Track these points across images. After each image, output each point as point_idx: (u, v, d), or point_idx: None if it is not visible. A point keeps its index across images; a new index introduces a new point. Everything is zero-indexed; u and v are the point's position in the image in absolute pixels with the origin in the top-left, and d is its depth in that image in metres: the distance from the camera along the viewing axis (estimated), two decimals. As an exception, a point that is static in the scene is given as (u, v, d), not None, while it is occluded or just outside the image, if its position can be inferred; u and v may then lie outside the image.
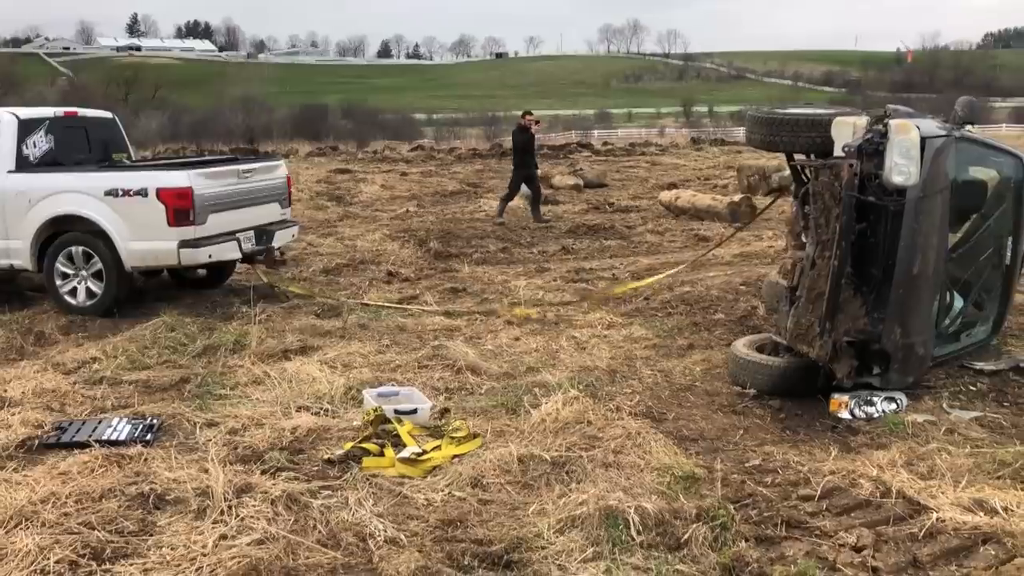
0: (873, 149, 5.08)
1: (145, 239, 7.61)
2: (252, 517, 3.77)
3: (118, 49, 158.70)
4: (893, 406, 5.18)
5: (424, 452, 4.54)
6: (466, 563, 3.51)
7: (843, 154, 5.21)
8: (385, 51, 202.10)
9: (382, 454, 4.54)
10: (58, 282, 7.90)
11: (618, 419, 4.97)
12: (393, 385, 5.66)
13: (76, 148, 8.76)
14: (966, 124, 5.58)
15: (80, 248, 7.84)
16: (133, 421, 4.99)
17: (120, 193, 7.58)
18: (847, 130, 5.36)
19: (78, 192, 7.74)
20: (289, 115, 56.97)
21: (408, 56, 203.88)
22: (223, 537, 3.62)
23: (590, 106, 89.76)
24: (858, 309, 5.20)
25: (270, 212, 8.78)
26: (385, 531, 3.72)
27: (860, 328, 5.20)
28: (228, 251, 8.05)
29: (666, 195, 15.44)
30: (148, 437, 4.77)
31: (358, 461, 4.48)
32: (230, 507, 3.85)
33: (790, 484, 4.18)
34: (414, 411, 5.05)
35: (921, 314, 5.29)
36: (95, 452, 4.45)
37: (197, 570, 3.38)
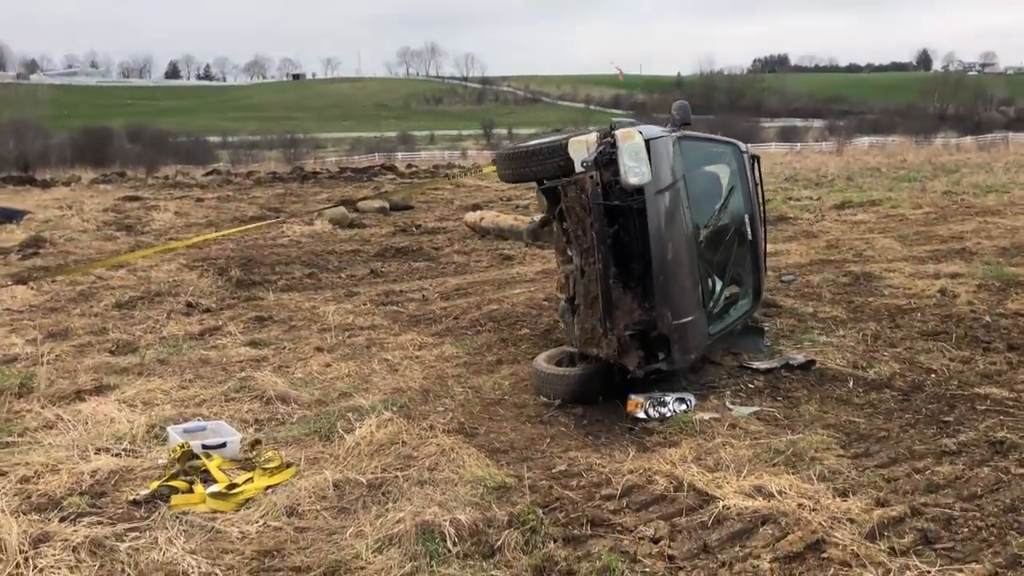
0: (607, 159, 5.58)
1: None
2: (52, 567, 3.58)
3: None
4: (683, 406, 5.62)
5: (236, 485, 4.47)
6: (285, 591, 3.51)
7: (583, 169, 5.66)
8: (174, 72, 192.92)
9: (191, 491, 4.41)
10: None
11: (432, 437, 5.10)
12: (199, 420, 5.50)
13: None
14: (683, 125, 6.11)
15: None
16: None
17: None
18: (582, 147, 5.80)
19: None
20: (69, 140, 52.91)
21: (199, 77, 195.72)
22: (20, 591, 3.43)
23: (392, 128, 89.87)
24: (631, 303, 5.65)
25: None
26: (199, 567, 3.64)
27: (637, 319, 5.64)
28: None
29: (471, 216, 15.78)
30: (-75, 494, 4.39)
31: (166, 500, 4.33)
32: (26, 559, 3.63)
33: (593, 485, 4.46)
34: (223, 445, 4.94)
35: (685, 295, 5.74)
36: None
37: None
